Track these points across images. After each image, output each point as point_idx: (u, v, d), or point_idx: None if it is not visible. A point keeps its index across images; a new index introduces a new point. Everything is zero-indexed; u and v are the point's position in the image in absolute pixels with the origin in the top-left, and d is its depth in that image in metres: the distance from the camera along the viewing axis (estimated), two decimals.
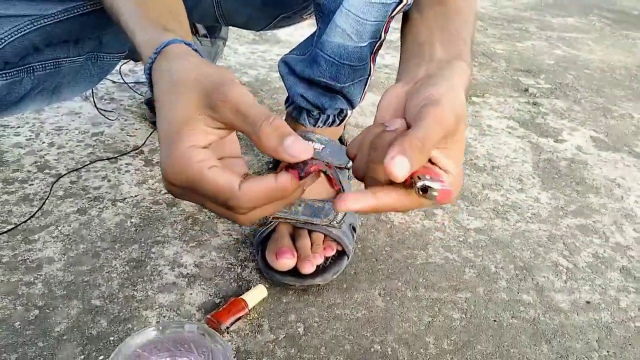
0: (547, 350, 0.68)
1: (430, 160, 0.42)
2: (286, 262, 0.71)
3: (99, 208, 0.86)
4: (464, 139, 0.43)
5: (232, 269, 0.75)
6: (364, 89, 0.79)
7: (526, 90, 1.55)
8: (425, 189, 0.38)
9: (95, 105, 1.14)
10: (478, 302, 0.74)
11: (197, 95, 0.43)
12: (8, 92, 0.74)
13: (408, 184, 0.39)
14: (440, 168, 0.42)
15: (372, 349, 0.66)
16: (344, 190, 0.74)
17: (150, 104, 1.13)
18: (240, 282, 0.73)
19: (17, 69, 0.73)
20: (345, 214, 0.76)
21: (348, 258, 0.75)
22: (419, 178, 0.38)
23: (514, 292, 0.76)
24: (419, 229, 0.86)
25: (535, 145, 1.21)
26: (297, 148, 0.41)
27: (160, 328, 0.46)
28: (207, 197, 0.43)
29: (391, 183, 0.40)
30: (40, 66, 0.75)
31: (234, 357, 0.61)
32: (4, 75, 0.72)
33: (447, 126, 0.40)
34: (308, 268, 0.71)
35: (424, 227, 0.86)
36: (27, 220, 0.82)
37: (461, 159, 0.43)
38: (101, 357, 0.61)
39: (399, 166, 0.36)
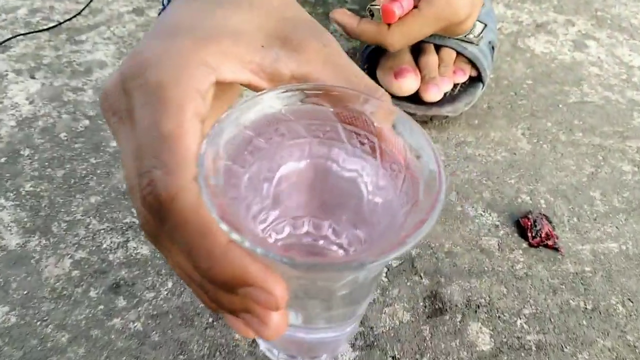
0: None
1: None
2: (408, 83, 0.53)
3: (159, 7, 0.68)
4: None
5: None
6: None
7: None
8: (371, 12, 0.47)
9: None
10: None
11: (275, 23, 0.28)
12: None
13: None
14: None
15: (519, 200, 0.50)
16: None
17: None
18: None
19: None
20: (484, 27, 0.56)
21: (483, 86, 0.57)
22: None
23: None
24: (568, 61, 0.66)
25: None
26: None
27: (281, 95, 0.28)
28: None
29: None
30: None
31: None
32: None
33: None
34: (434, 94, 0.53)
35: (574, 60, 0.66)
36: (72, 17, 0.65)
37: None
38: None
39: None
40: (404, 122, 0.26)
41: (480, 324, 0.41)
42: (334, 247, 0.30)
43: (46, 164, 0.50)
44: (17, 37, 0.61)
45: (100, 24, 0.65)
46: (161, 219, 0.23)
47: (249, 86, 0.28)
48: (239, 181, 0.25)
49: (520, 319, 0.42)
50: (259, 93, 0.26)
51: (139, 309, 0.40)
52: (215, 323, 0.40)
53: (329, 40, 0.28)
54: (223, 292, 0.23)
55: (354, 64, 0.29)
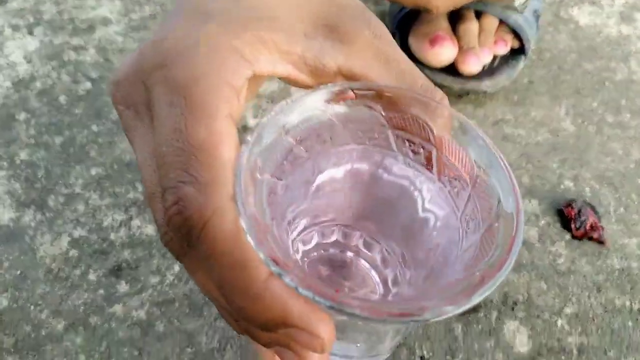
0: None
1: None
2: (444, 52, 0.48)
3: None
4: None
5: None
6: None
7: None
8: None
9: None
10: None
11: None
12: None
13: None
14: None
15: (562, 186, 0.45)
16: None
17: None
18: None
19: None
20: None
21: (525, 58, 0.52)
22: None
23: None
24: (615, 35, 0.60)
25: None
26: None
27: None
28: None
29: None
30: None
31: None
32: None
33: None
34: (473, 65, 0.48)
35: (620, 34, 0.60)
36: None
37: None
38: None
39: None
40: (470, 131, 0.22)
41: (517, 322, 0.37)
42: (364, 263, 0.26)
43: (43, 129, 0.45)
44: None
45: None
46: (190, 244, 0.19)
47: (287, 80, 0.24)
48: (276, 195, 0.21)
49: (561, 318, 0.38)
50: (302, 94, 0.21)
51: (143, 295, 0.36)
52: None
53: (381, 29, 0.24)
54: (258, 330, 0.19)
55: (409, 60, 0.24)
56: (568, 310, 0.38)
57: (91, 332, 0.35)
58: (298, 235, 0.25)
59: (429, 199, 0.24)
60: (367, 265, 0.26)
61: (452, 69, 0.49)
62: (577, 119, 0.50)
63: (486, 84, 0.49)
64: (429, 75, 0.48)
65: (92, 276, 0.37)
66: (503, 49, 0.50)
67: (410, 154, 0.23)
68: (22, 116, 0.46)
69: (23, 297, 0.36)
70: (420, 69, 0.49)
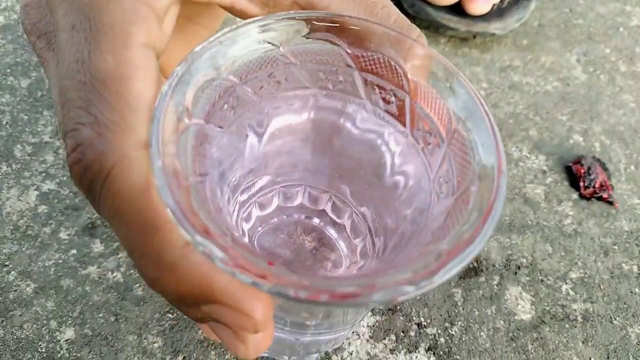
0: None
1: None
2: None
3: None
4: None
5: None
6: None
7: None
8: None
9: None
10: None
11: None
12: None
13: None
14: None
15: (571, 141, 0.42)
16: None
17: None
18: None
19: None
20: None
21: None
22: None
23: None
24: None
25: None
26: None
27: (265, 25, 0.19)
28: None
29: None
30: None
31: None
32: None
33: None
34: (481, 4, 0.44)
35: None
36: None
37: None
38: None
39: None
40: (450, 76, 0.18)
41: (520, 288, 0.35)
42: (332, 232, 0.23)
43: (8, 70, 0.41)
44: None
45: None
46: (93, 199, 0.15)
47: (232, 10, 0.19)
48: (212, 146, 0.17)
49: (566, 283, 0.36)
50: (247, 21, 0.17)
51: (119, 255, 0.34)
52: None
53: None
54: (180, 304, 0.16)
55: None
56: (573, 275, 0.36)
57: (63, 295, 0.32)
58: (252, 196, 0.21)
59: (400, 158, 0.20)
60: (335, 234, 0.23)
61: (458, 9, 0.44)
62: (589, 67, 0.47)
63: (495, 27, 0.45)
64: (432, 15, 0.44)
65: (63, 234, 0.34)
66: None
67: (381, 102, 0.20)
68: None
69: None
70: (423, 7, 0.44)
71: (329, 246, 0.23)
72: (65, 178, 0.36)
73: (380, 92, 0.20)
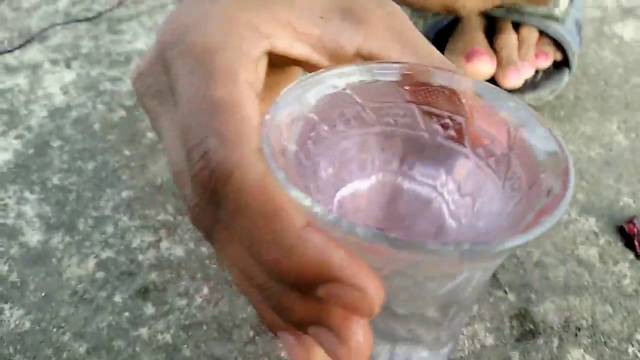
0: None
1: None
2: (481, 67, 0.46)
3: None
4: None
5: None
6: None
7: None
8: None
9: None
10: None
11: None
12: None
13: None
14: None
15: (620, 203, 0.41)
16: None
17: None
18: None
19: None
20: (570, 1, 0.49)
21: (570, 71, 0.49)
22: None
23: None
24: None
25: None
26: None
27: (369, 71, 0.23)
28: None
29: None
30: None
31: None
32: None
33: None
34: (514, 79, 0.46)
35: None
36: (113, 8, 0.61)
37: None
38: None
39: None
40: (496, 92, 0.21)
41: (582, 350, 0.33)
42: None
43: (76, 155, 0.45)
44: (55, 27, 0.58)
45: (142, 13, 0.61)
46: (217, 201, 0.18)
47: (306, 65, 0.23)
48: (307, 175, 0.20)
49: (632, 345, 0.34)
50: (321, 70, 0.21)
51: (169, 317, 0.34)
52: (257, 338, 0.33)
53: (395, 8, 0.24)
54: (294, 296, 0.17)
55: (423, 37, 0.24)
56: (638, 336, 0.34)
57: (114, 356, 0.32)
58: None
59: (465, 182, 0.22)
60: None
61: (492, 83, 0.46)
62: (630, 133, 0.47)
63: (529, 98, 0.46)
64: None
65: (117, 298, 0.35)
66: (545, 62, 0.48)
67: (440, 129, 0.22)
68: (56, 143, 0.46)
69: (46, 319, 0.34)
70: None
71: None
72: (122, 247, 0.38)
73: (438, 120, 0.22)
